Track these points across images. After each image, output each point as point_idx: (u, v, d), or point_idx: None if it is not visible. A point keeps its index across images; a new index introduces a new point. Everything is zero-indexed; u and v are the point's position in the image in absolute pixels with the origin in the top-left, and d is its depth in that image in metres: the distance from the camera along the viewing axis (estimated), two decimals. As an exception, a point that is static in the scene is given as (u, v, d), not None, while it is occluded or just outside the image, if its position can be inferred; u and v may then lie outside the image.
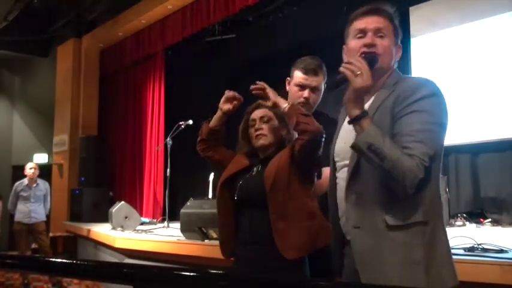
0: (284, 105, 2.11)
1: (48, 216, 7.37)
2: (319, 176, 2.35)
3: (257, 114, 2.24)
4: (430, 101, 1.56)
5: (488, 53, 5.67)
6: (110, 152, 9.14)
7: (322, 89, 2.48)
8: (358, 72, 1.53)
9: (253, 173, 2.19)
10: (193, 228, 4.22)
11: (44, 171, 8.60)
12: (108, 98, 9.66)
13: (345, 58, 1.76)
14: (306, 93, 2.41)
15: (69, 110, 9.42)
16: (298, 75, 2.44)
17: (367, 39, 1.68)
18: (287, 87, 2.53)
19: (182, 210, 4.46)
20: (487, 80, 5.63)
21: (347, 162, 1.68)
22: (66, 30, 9.64)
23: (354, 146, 1.54)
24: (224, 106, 2.30)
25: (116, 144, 9.29)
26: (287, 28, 7.43)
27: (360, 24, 1.72)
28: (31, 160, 9.62)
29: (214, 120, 2.33)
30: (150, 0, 7.85)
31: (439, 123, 1.56)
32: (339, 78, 1.58)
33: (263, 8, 7.22)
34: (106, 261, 4.88)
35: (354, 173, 1.63)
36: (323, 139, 2.06)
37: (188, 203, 4.56)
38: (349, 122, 1.57)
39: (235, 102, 2.29)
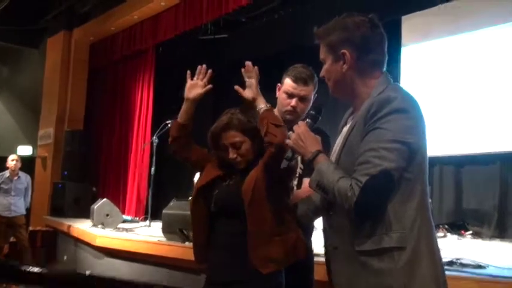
0: (261, 105, 2.06)
1: (28, 210, 7.27)
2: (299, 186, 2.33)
3: (228, 139, 2.11)
4: (391, 118, 1.47)
5: (476, 65, 5.71)
6: (95, 147, 9.06)
7: (312, 99, 2.45)
8: (290, 133, 1.70)
9: (230, 183, 2.13)
10: (175, 230, 4.19)
11: (28, 164, 8.50)
12: (97, 93, 9.57)
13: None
14: (293, 102, 2.38)
15: (56, 103, 9.31)
16: (288, 83, 2.41)
17: (321, 73, 1.76)
18: (277, 93, 2.50)
19: (164, 211, 4.43)
20: (474, 93, 5.67)
21: None
22: (57, 22, 9.54)
23: (309, 186, 1.60)
24: (191, 94, 2.19)
25: (101, 139, 9.21)
26: (280, 31, 7.43)
27: None
28: (15, 152, 9.51)
29: (182, 114, 2.21)
30: (142, -4, 7.80)
31: (397, 140, 1.45)
32: (290, 153, 1.78)
33: (257, 9, 7.21)
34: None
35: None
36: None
37: (171, 204, 4.53)
38: (308, 165, 1.64)
39: (200, 87, 2.19)
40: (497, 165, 5.59)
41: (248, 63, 2.14)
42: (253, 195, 2.00)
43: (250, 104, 2.09)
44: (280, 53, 7.34)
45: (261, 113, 2.04)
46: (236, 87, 2.13)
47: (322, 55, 1.70)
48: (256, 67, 2.13)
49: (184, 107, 2.22)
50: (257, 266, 1.97)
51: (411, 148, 1.47)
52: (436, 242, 1.57)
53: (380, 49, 1.66)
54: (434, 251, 1.53)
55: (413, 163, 1.49)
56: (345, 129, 1.68)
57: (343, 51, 1.62)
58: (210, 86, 2.21)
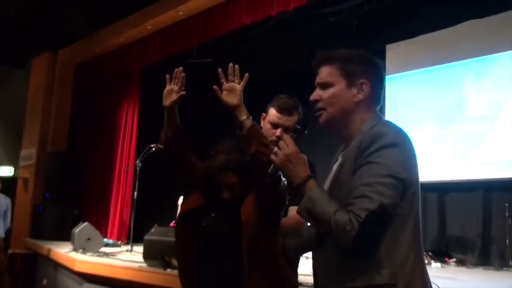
0: (243, 117, 1.97)
1: (8, 232, 7.12)
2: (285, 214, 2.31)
3: (225, 180, 2.06)
4: (384, 152, 1.47)
5: (459, 95, 5.80)
6: (78, 169, 8.94)
7: None
8: (275, 149, 1.60)
9: (219, 217, 2.07)
10: (156, 256, 4.11)
11: (9, 185, 8.36)
12: (81, 115, 9.48)
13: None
14: (278, 132, 2.37)
15: (39, 124, 9.20)
16: (272, 113, 2.41)
17: (312, 96, 1.68)
18: (262, 123, 2.50)
19: (146, 237, 4.37)
20: (458, 120, 5.74)
21: None
22: (43, 43, 9.49)
23: (298, 212, 1.54)
24: (167, 101, 2.10)
25: (84, 161, 9.10)
26: (265, 56, 7.49)
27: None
28: (-5, 172, 9.37)
29: (166, 125, 2.13)
30: (129, 20, 7.80)
31: (390, 175, 1.45)
32: (272, 170, 1.65)
33: (242, 34, 7.26)
34: None
35: (318, 233, 1.60)
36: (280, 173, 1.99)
37: (153, 230, 4.47)
38: (294, 192, 1.57)
39: (175, 93, 2.10)
40: (481, 193, 5.64)
41: (231, 65, 2.07)
42: (247, 229, 1.95)
43: (231, 109, 2.01)
44: (266, 78, 7.39)
45: (246, 129, 1.95)
46: (215, 87, 2.06)
47: (329, 78, 1.64)
48: (247, 74, 2.07)
49: (165, 117, 2.14)
50: None
51: (404, 183, 1.47)
52: (429, 278, 1.55)
53: (382, 89, 1.70)
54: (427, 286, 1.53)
55: (405, 198, 1.49)
56: (336, 165, 1.68)
57: (362, 81, 1.62)
58: (183, 93, 2.11)
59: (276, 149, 1.62)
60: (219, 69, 2.08)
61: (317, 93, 1.66)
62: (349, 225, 1.40)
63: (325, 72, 1.65)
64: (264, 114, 2.49)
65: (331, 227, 1.44)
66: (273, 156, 1.62)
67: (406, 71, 6.26)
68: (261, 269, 1.96)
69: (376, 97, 1.67)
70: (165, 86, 2.17)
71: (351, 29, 6.30)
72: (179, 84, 2.12)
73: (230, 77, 2.06)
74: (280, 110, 2.39)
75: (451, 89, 5.89)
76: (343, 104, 1.62)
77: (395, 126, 1.60)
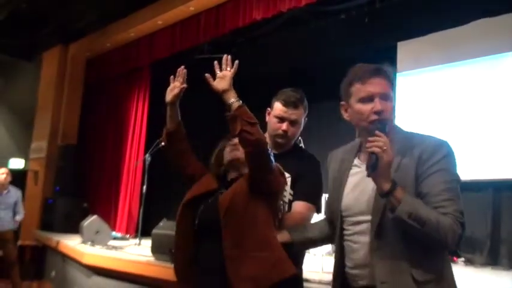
0: (231, 100, 1.98)
1: (18, 224, 7.17)
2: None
3: (233, 156, 2.16)
4: (449, 160, 1.69)
5: (470, 94, 5.76)
6: (87, 162, 8.98)
7: (302, 123, 2.44)
8: (385, 148, 1.59)
9: (217, 197, 2.07)
10: (164, 250, 4.13)
11: (19, 177, 8.42)
12: (91, 108, 9.53)
13: (345, 116, 1.86)
14: (284, 126, 2.36)
15: (49, 117, 9.26)
16: (278, 107, 2.39)
17: (377, 106, 1.72)
18: (267, 118, 2.48)
19: (154, 231, 4.39)
20: (467, 120, 5.70)
21: (361, 217, 1.75)
22: (54, 36, 9.53)
23: (395, 218, 1.59)
24: (168, 97, 2.21)
25: (94, 155, 9.14)
26: (275, 53, 7.48)
27: (366, 88, 1.74)
28: (7, 164, 9.43)
29: (168, 121, 2.23)
30: (140, 14, 7.82)
31: (457, 180, 1.68)
32: (374, 161, 1.61)
33: (253, 31, 7.26)
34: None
35: (379, 230, 1.68)
36: (270, 151, 1.98)
37: (161, 224, 4.49)
38: (382, 196, 1.62)
39: (177, 88, 2.20)
40: (490, 193, 5.59)
41: (226, 56, 2.09)
42: (229, 207, 1.95)
43: (220, 95, 2.03)
44: (276, 75, 7.38)
45: (233, 109, 1.96)
46: (206, 75, 2.08)
47: (387, 90, 1.75)
48: (237, 61, 2.09)
49: (167, 112, 2.23)
50: (233, 283, 1.88)
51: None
52: None
53: None
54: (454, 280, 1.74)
55: None
56: (363, 168, 1.75)
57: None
58: (184, 85, 2.20)
59: (384, 146, 1.60)
60: (215, 62, 2.10)
61: (384, 104, 1.73)
62: (455, 225, 1.58)
63: (386, 85, 1.75)
64: (268, 109, 2.47)
65: (438, 229, 1.56)
66: (380, 152, 1.59)
67: (417, 68, 6.22)
68: (252, 253, 1.93)
69: None
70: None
71: (363, 26, 6.26)
72: (180, 79, 2.21)
73: (223, 67, 2.08)
74: (286, 104, 2.36)
75: (462, 87, 5.85)
76: (393, 118, 1.80)
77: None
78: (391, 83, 1.78)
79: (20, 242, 7.60)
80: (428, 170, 1.66)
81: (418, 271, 1.62)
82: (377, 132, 1.64)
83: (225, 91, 2.01)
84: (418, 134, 1.81)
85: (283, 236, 2.05)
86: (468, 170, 5.60)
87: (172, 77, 2.25)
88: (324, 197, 4.38)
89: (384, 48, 6.42)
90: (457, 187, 1.66)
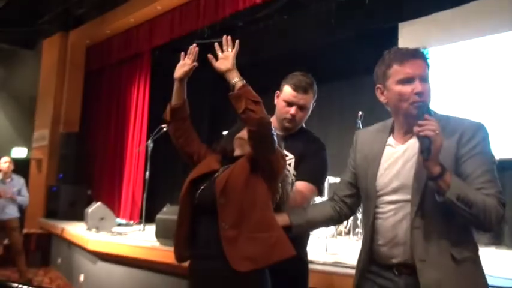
0: (235, 80, 1.98)
1: (23, 212, 7.21)
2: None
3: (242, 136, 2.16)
4: (487, 143, 1.73)
5: (473, 73, 5.73)
6: (90, 149, 9.01)
7: (310, 108, 2.42)
8: (437, 132, 1.61)
9: (214, 178, 2.06)
10: (168, 235, 4.16)
11: (22, 166, 8.44)
12: (92, 95, 9.53)
13: (381, 99, 1.87)
14: (293, 110, 2.34)
15: (51, 105, 9.27)
16: (287, 91, 2.37)
17: (418, 88, 1.74)
18: (275, 100, 2.47)
19: (158, 216, 4.42)
20: (480, 99, 5.68)
21: (397, 197, 1.78)
22: (54, 24, 9.50)
23: (444, 201, 1.63)
24: (178, 73, 2.19)
25: (97, 142, 9.16)
26: (276, 36, 7.44)
27: (406, 69, 1.77)
28: (9, 153, 9.45)
29: (174, 97, 2.21)
30: (139, 0, 7.77)
31: (495, 162, 1.73)
32: (428, 145, 1.61)
33: (253, 14, 7.20)
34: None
35: (418, 210, 1.72)
36: (274, 131, 1.97)
37: (165, 209, 4.52)
38: (431, 179, 1.65)
39: (187, 65, 2.18)
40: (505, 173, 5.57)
41: (225, 36, 2.08)
42: (226, 186, 1.94)
43: (223, 74, 2.02)
44: (277, 57, 7.36)
45: (237, 88, 1.96)
46: (209, 55, 2.08)
47: (425, 72, 1.78)
48: (237, 41, 2.08)
49: (174, 87, 2.21)
50: (231, 263, 1.88)
51: None
52: None
53: None
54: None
55: None
56: (401, 148, 1.83)
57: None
58: (195, 63, 2.18)
59: (436, 130, 1.61)
60: (215, 43, 2.09)
61: (423, 86, 1.75)
62: (499, 206, 1.64)
63: (424, 67, 1.78)
64: (277, 92, 2.45)
65: (484, 210, 1.61)
66: (434, 136, 1.60)
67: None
68: (251, 234, 1.93)
69: None
70: (175, 66, 2.22)
71: (363, 8, 6.21)
72: (192, 58, 2.19)
73: (224, 48, 2.07)
74: (296, 88, 2.35)
75: (464, 67, 5.82)
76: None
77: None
78: (429, 66, 1.80)
79: (25, 230, 7.65)
80: (469, 152, 1.70)
81: (457, 249, 1.68)
82: (427, 116, 1.65)
83: (228, 70, 2.00)
84: (454, 116, 1.84)
85: (282, 219, 2.05)
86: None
87: (183, 53, 2.23)
88: (328, 179, 4.36)
89: (385, 30, 6.37)
90: (495, 168, 1.72)
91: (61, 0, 8.93)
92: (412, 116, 1.72)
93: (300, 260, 2.28)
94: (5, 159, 6.74)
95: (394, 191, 1.79)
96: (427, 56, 1.81)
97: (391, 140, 1.88)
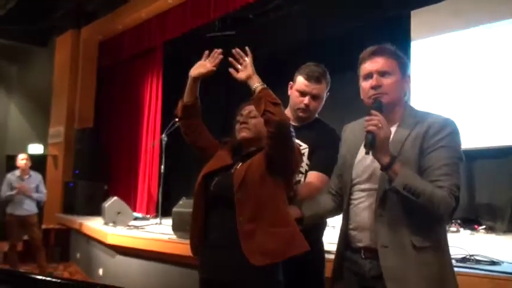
0: (255, 85, 2.03)
1: (41, 208, 7.31)
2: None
3: (246, 109, 2.17)
4: (453, 138, 1.81)
5: (485, 60, 5.66)
6: (105, 145, 9.09)
7: (324, 97, 2.44)
8: (380, 125, 1.74)
9: (232, 171, 2.09)
10: (185, 228, 4.18)
11: (39, 162, 8.55)
12: (106, 91, 9.60)
13: (361, 96, 1.99)
14: (306, 100, 2.37)
15: (65, 102, 9.36)
16: (300, 81, 2.40)
17: (373, 82, 1.89)
18: (289, 91, 2.49)
19: (174, 209, 4.44)
20: (484, 86, 5.61)
21: (368, 185, 1.89)
22: (66, 21, 9.57)
23: (391, 188, 1.74)
24: (194, 72, 2.20)
25: (111, 137, 9.24)
26: (287, 27, 7.40)
27: (365, 67, 1.93)
28: (26, 150, 9.56)
29: (186, 94, 2.23)
30: (149, -6, 7.80)
31: (459, 157, 1.80)
32: (370, 139, 1.75)
33: (264, 5, 7.18)
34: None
35: (383, 198, 1.82)
36: (292, 132, 1.99)
37: (181, 202, 4.54)
38: (382, 169, 1.76)
39: (206, 68, 2.19)
40: (510, 159, 5.53)
41: (237, 50, 2.11)
42: (244, 181, 1.97)
43: (246, 82, 2.07)
44: (288, 49, 7.33)
45: (257, 92, 2.00)
46: (230, 70, 2.12)
47: (387, 67, 1.89)
48: (247, 47, 2.11)
49: (188, 84, 2.23)
50: (248, 257, 1.91)
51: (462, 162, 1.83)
52: None
53: None
54: (449, 248, 1.88)
55: None
56: None
57: (408, 75, 1.95)
58: (214, 68, 2.19)
59: (379, 123, 1.74)
60: (230, 59, 2.13)
61: (379, 79, 1.88)
62: (449, 198, 1.71)
63: (385, 63, 1.89)
64: (291, 82, 2.48)
65: (431, 200, 1.70)
66: (376, 130, 1.74)
67: (432, 36, 6.11)
68: (267, 228, 1.95)
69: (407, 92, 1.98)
70: (188, 60, 2.24)
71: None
72: (213, 63, 2.20)
73: (241, 61, 2.11)
74: (308, 78, 2.37)
75: (476, 54, 5.74)
76: (399, 91, 1.92)
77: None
78: (396, 60, 1.91)
79: (44, 226, 7.75)
80: (432, 145, 1.79)
81: (417, 238, 1.76)
82: (372, 111, 1.79)
83: (249, 77, 2.06)
84: (427, 112, 1.94)
85: (293, 211, 2.08)
86: (488, 136, 5.55)
87: (206, 52, 2.24)
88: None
89: (397, 18, 6.31)
90: (458, 164, 1.79)
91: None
92: (372, 109, 1.83)
93: (316, 248, 2.29)
94: (22, 156, 6.83)
95: (367, 180, 1.90)
96: (391, 52, 1.92)
97: None
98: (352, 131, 2.07)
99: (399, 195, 1.74)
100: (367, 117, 1.79)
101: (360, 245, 1.89)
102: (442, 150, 1.78)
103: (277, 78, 2.53)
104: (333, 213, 2.17)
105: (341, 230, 2.01)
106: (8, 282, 1.16)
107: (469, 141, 5.64)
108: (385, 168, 1.75)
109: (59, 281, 1.13)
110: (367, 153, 1.79)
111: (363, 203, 1.90)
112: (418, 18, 6.22)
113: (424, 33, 6.17)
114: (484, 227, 5.48)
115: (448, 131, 1.80)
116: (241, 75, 2.08)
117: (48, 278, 1.17)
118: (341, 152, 2.10)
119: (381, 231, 1.81)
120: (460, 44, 5.87)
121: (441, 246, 1.81)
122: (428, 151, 1.79)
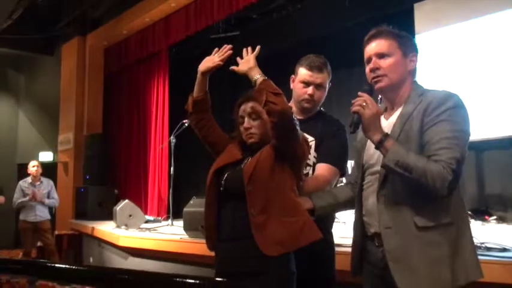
0: (256, 76, 2.05)
1: (53, 214, 7.39)
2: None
3: (246, 110, 2.15)
4: (455, 112, 1.73)
5: (492, 49, 5.64)
6: (114, 150, 9.16)
7: (327, 87, 2.46)
8: (364, 104, 1.76)
9: (242, 166, 2.11)
10: (196, 227, 4.22)
11: (49, 170, 8.64)
12: (113, 96, 9.67)
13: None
14: (310, 89, 2.39)
15: (73, 108, 9.43)
16: (302, 72, 2.42)
17: (370, 65, 1.91)
18: (291, 85, 2.51)
19: (185, 209, 4.48)
20: (492, 77, 5.59)
21: (375, 168, 1.88)
22: (71, 28, 9.64)
23: (383, 166, 1.74)
24: (202, 66, 2.24)
25: (120, 142, 9.30)
26: (291, 26, 7.42)
27: (366, 52, 1.94)
28: (37, 158, 9.65)
29: (195, 89, 2.26)
30: (152, -1, 7.85)
31: (463, 131, 1.73)
32: (355, 119, 1.79)
33: (267, 5, 7.21)
34: (108, 267, 4.90)
35: (385, 179, 1.81)
36: (296, 120, 2.01)
37: (191, 202, 4.58)
38: (376, 147, 1.77)
39: (213, 62, 2.22)
40: (519, 149, 5.52)
41: (245, 49, 2.16)
42: (254, 173, 1.99)
43: (247, 75, 2.10)
44: (292, 47, 7.34)
45: (258, 84, 2.03)
46: (231, 68, 2.16)
47: (386, 49, 1.88)
48: (259, 46, 2.17)
49: (197, 79, 2.26)
50: (261, 248, 1.94)
51: (469, 137, 1.76)
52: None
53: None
54: (470, 226, 1.81)
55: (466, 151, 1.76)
56: (384, 123, 1.89)
57: (413, 53, 1.92)
58: (220, 62, 2.22)
59: (363, 102, 1.78)
60: (238, 58, 2.18)
61: (377, 62, 1.89)
62: (444, 171, 1.65)
63: (383, 44, 1.90)
64: (292, 76, 2.50)
65: (425, 175, 1.65)
66: (360, 109, 1.77)
67: (436, 28, 6.10)
68: (279, 218, 1.97)
69: (416, 69, 1.95)
70: (193, 62, 2.27)
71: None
72: (222, 57, 2.23)
73: (244, 55, 2.17)
74: (311, 68, 2.39)
75: (481, 44, 5.73)
76: (401, 71, 1.89)
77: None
78: (396, 40, 1.90)
79: (56, 232, 7.83)
80: (432, 120, 1.74)
81: (420, 218, 1.72)
82: (359, 93, 1.82)
83: (250, 69, 2.09)
84: (434, 90, 1.89)
85: (305, 202, 2.10)
86: (496, 127, 5.53)
87: (216, 49, 2.27)
88: (350, 163, 4.38)
89: (400, 12, 6.31)
90: (461, 137, 1.71)
91: (77, 4, 9.06)
92: (361, 91, 1.86)
93: (325, 240, 2.31)
94: (33, 163, 6.92)
95: (375, 163, 1.90)
96: (388, 32, 1.92)
97: (382, 116, 1.94)
98: None
99: (401, 179, 1.72)
100: (353, 100, 1.81)
101: (372, 231, 1.88)
102: (442, 124, 1.72)
103: (281, 76, 2.55)
104: (351, 204, 2.16)
105: (355, 217, 2.00)
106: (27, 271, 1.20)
107: (478, 132, 5.63)
108: (376, 146, 1.75)
109: (79, 268, 1.17)
110: (351, 132, 1.83)
111: (371, 186, 1.90)
112: (421, 11, 6.22)
113: (428, 25, 6.17)
114: (494, 217, 5.46)
115: (449, 105, 1.75)
116: (242, 67, 2.12)
117: (67, 266, 1.21)
118: (357, 139, 2.11)
119: (384, 213, 1.79)
120: (465, 35, 5.86)
121: (454, 227, 1.73)
122: (427, 126, 1.75)
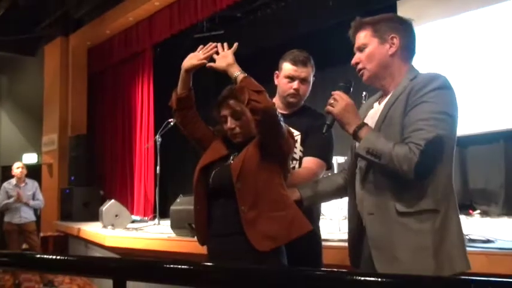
0: (236, 73, 2.02)
1: (38, 216, 7.32)
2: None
3: (227, 110, 2.13)
4: (438, 93, 1.67)
5: (475, 46, 5.72)
6: (99, 150, 9.10)
7: (311, 81, 2.47)
8: (332, 102, 1.77)
9: (229, 162, 2.11)
10: (183, 225, 4.21)
11: (34, 171, 8.54)
12: (97, 97, 9.61)
13: None
14: (295, 84, 2.39)
15: (57, 109, 9.36)
16: (287, 67, 2.42)
17: (352, 60, 1.89)
18: (276, 81, 2.52)
19: (172, 207, 4.47)
20: (474, 72, 5.67)
21: None
22: (53, 29, 9.57)
23: (356, 154, 1.73)
24: (186, 63, 2.20)
25: (105, 142, 9.25)
26: (275, 24, 7.44)
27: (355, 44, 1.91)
28: (20, 160, 9.55)
29: (179, 86, 2.23)
30: (136, -2, 7.82)
31: (445, 112, 1.66)
32: (329, 120, 1.81)
33: (251, 4, 7.22)
34: (90, 256, 4.86)
35: (368, 166, 1.79)
36: (280, 116, 1.99)
37: (178, 200, 4.56)
38: (353, 138, 1.76)
39: (197, 60, 2.18)
40: (501, 144, 5.59)
41: (219, 44, 2.15)
42: (242, 170, 1.99)
43: (225, 71, 2.07)
44: (277, 45, 7.35)
45: (239, 81, 2.00)
46: (208, 64, 2.14)
47: (362, 41, 1.86)
48: (236, 43, 2.16)
49: (181, 75, 2.23)
50: (253, 243, 1.95)
51: (454, 121, 1.70)
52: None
53: (415, 44, 1.90)
54: (459, 217, 1.75)
55: (452, 135, 1.71)
56: (376, 108, 1.89)
57: (392, 35, 1.83)
58: (204, 61, 2.18)
59: (332, 101, 1.79)
60: (214, 55, 2.15)
61: (356, 57, 1.87)
62: (410, 153, 1.60)
63: (359, 37, 1.87)
64: (276, 72, 2.50)
65: (392, 160, 1.62)
66: (330, 108, 1.78)
67: (419, 25, 6.16)
68: (269, 213, 1.99)
69: (409, 48, 1.87)
70: (177, 61, 2.26)
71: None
72: (206, 55, 2.18)
73: (220, 50, 2.14)
74: (295, 62, 2.40)
75: (465, 40, 5.80)
76: (379, 59, 1.83)
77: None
78: (369, 28, 1.86)
79: (42, 234, 7.76)
80: (414, 102, 1.69)
81: (401, 204, 1.68)
82: (332, 92, 1.82)
83: (229, 65, 2.05)
84: (426, 72, 1.83)
85: (292, 194, 2.11)
86: (477, 122, 5.61)
87: (201, 46, 2.24)
88: (336, 159, 4.38)
89: (383, 9, 6.36)
90: (441, 119, 1.64)
91: (59, 4, 8.97)
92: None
93: (313, 233, 2.32)
94: (18, 164, 6.85)
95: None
96: (364, 23, 1.88)
97: (376, 104, 1.95)
98: (364, 106, 2.06)
99: (375, 167, 1.72)
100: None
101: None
102: (422, 106, 1.66)
103: (266, 75, 2.56)
104: (341, 192, 2.14)
105: (349, 207, 1.97)
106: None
107: (461, 128, 5.67)
108: (353, 137, 1.75)
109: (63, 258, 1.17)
110: (323, 133, 1.85)
111: (359, 174, 1.87)
112: (404, 7, 6.28)
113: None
114: (478, 211, 5.54)
115: (433, 86, 1.68)
116: (220, 63, 2.08)
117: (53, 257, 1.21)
118: None
119: (367, 199, 1.77)
120: (448, 32, 5.93)
121: (440, 215, 1.67)
122: (409, 108, 1.69)
